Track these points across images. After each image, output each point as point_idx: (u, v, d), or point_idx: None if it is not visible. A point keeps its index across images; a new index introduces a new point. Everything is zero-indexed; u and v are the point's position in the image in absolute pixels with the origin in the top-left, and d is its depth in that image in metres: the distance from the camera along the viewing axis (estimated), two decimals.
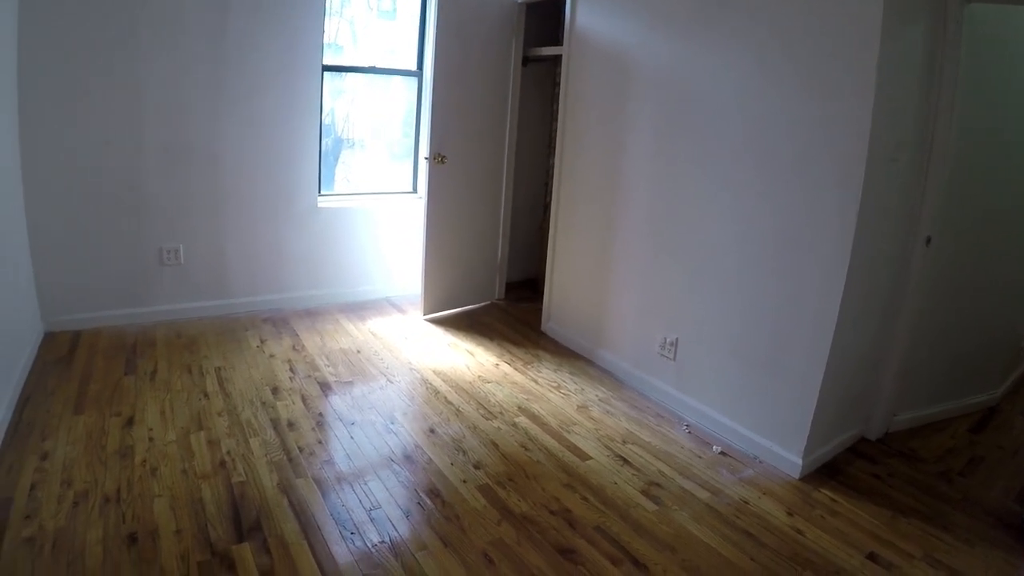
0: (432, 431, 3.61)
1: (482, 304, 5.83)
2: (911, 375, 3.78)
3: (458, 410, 3.87)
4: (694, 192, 3.86)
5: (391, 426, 3.63)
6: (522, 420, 3.81)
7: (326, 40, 5.18)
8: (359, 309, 5.46)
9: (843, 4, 3.03)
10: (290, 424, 3.55)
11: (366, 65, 5.65)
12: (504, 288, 6.04)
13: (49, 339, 4.36)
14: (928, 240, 3.52)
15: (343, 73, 5.57)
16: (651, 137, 4.12)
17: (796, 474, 3.37)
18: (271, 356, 4.40)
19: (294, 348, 4.56)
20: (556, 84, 6.02)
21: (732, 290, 3.67)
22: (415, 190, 6.02)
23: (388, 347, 4.72)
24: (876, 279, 3.42)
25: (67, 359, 4.10)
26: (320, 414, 3.69)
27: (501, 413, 3.87)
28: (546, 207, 6.23)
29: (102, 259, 4.56)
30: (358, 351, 4.60)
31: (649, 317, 4.24)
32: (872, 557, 2.79)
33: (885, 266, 3.46)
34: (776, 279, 3.43)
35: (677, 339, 4.03)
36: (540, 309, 5.42)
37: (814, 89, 3.18)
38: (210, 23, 4.58)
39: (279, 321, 5.04)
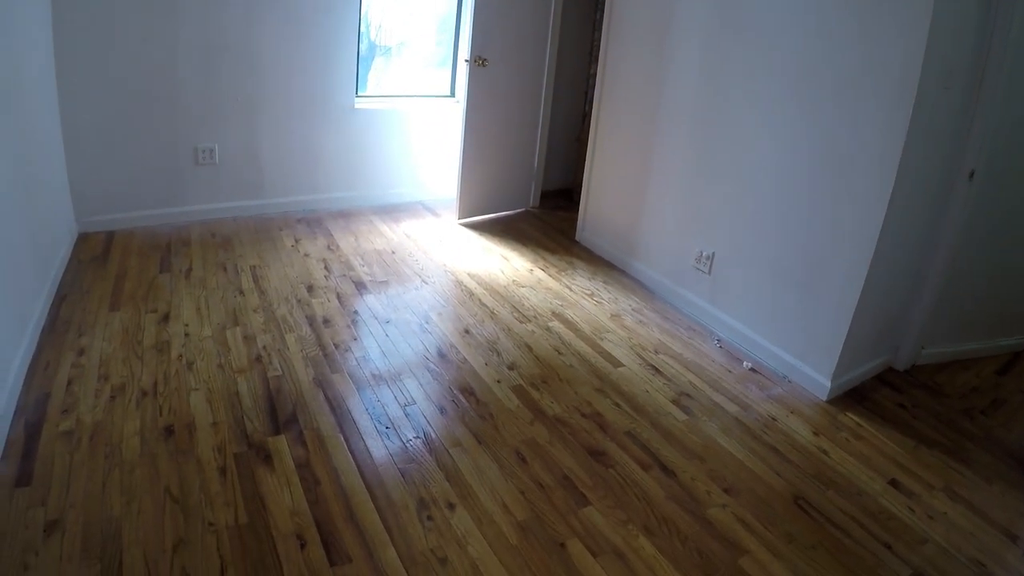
0: (467, 332, 3.58)
1: (517, 211, 5.72)
2: (943, 310, 3.64)
3: (492, 312, 3.83)
4: (739, 108, 3.70)
5: (426, 325, 3.60)
6: (556, 325, 3.77)
7: None
8: (393, 211, 5.39)
9: None
10: (325, 321, 3.53)
11: None
12: (539, 196, 5.92)
13: (83, 239, 4.36)
14: (972, 174, 3.33)
15: None
16: (697, 50, 3.93)
17: (824, 396, 3.31)
18: (306, 255, 4.36)
19: (329, 248, 4.52)
20: None
21: (772, 208, 3.54)
22: (453, 94, 5.86)
23: (423, 249, 4.66)
24: (917, 209, 3.26)
25: (101, 258, 4.10)
26: (355, 312, 3.67)
27: (535, 317, 3.83)
28: (584, 116, 6.06)
29: (136, 159, 4.51)
30: (393, 252, 4.55)
31: (686, 231, 4.13)
32: (894, 483, 2.74)
33: (927, 197, 3.29)
34: (817, 200, 3.30)
35: (713, 254, 3.92)
36: (575, 218, 5.32)
37: (871, 12, 2.98)
38: None
39: (314, 222, 5.00)
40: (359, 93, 5.32)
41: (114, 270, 3.94)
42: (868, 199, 3.05)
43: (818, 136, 3.27)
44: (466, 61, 4.90)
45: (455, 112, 5.64)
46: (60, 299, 3.55)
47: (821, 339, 3.33)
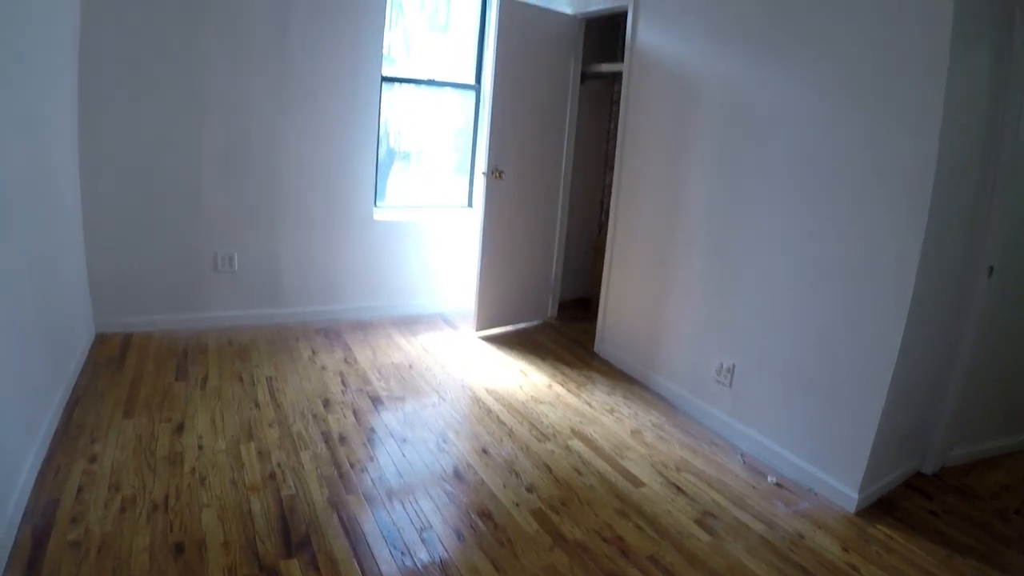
0: (485, 451, 3.51)
1: (534, 323, 5.72)
2: (969, 409, 3.61)
3: (511, 430, 3.76)
4: (754, 217, 3.74)
5: (443, 444, 3.53)
6: (575, 443, 3.70)
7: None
8: (411, 323, 5.40)
9: (910, 28, 2.93)
10: (341, 438, 3.47)
11: (424, 77, 5.62)
12: (557, 307, 5.93)
13: (100, 340, 4.35)
14: (991, 270, 3.36)
15: (399, 84, 5.53)
16: (713, 157, 4.01)
17: (852, 508, 3.22)
18: (323, 368, 4.34)
19: (346, 361, 4.50)
20: (614, 101, 5.94)
21: (791, 317, 3.54)
22: (470, 204, 5.97)
23: (440, 363, 4.63)
24: (937, 310, 3.26)
25: (118, 362, 4.09)
26: (371, 429, 3.61)
27: (554, 435, 3.76)
28: (600, 226, 6.13)
29: (156, 262, 4.57)
30: (410, 366, 4.52)
31: (706, 342, 4.11)
32: None
33: (946, 296, 3.29)
34: (836, 308, 3.30)
35: (734, 365, 3.88)
36: (593, 330, 5.30)
37: (880, 116, 3.06)
38: (272, 31, 4.60)
39: (331, 332, 5.00)
40: (378, 203, 5.42)
41: (130, 374, 3.92)
42: (888, 305, 3.05)
43: (833, 244, 3.29)
44: (483, 174, 4.99)
45: (472, 222, 5.72)
46: (74, 401, 3.52)
47: (847, 450, 3.26)
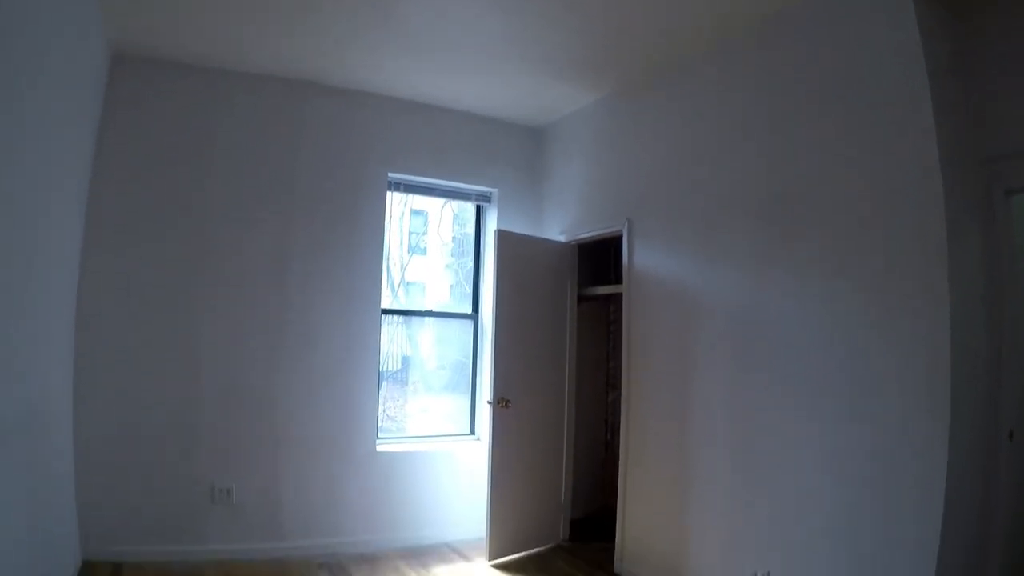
0: None
1: (548, 546, 5.35)
2: None
3: None
4: (772, 422, 3.71)
5: None
6: None
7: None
8: (420, 555, 5.00)
9: (905, 219, 3.15)
10: None
11: (423, 309, 5.71)
12: (568, 528, 5.60)
13: (88, 569, 4.00)
14: (1011, 434, 3.25)
15: (398, 316, 5.61)
16: (721, 368, 4.04)
17: None
18: None
19: None
20: (610, 321, 6.04)
21: (824, 518, 3.39)
22: (472, 432, 5.83)
23: None
24: (969, 497, 3.11)
25: None
26: None
27: None
28: (606, 445, 5.98)
29: (150, 490, 4.35)
30: None
31: (736, 550, 3.86)
32: None
33: (975, 479, 3.15)
34: (870, 513, 3.19)
35: (768, 573, 3.62)
36: (608, 548, 4.99)
37: (886, 312, 3.19)
38: (271, 268, 4.79)
39: (336, 568, 4.61)
40: (379, 434, 5.28)
41: None
42: (922, 509, 2.97)
43: (861, 441, 3.25)
44: (488, 403, 4.94)
45: (476, 451, 5.57)
46: None
47: None
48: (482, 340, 5.81)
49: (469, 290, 5.93)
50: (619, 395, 5.67)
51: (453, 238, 6.12)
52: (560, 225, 5.62)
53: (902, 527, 3.03)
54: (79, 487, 4.08)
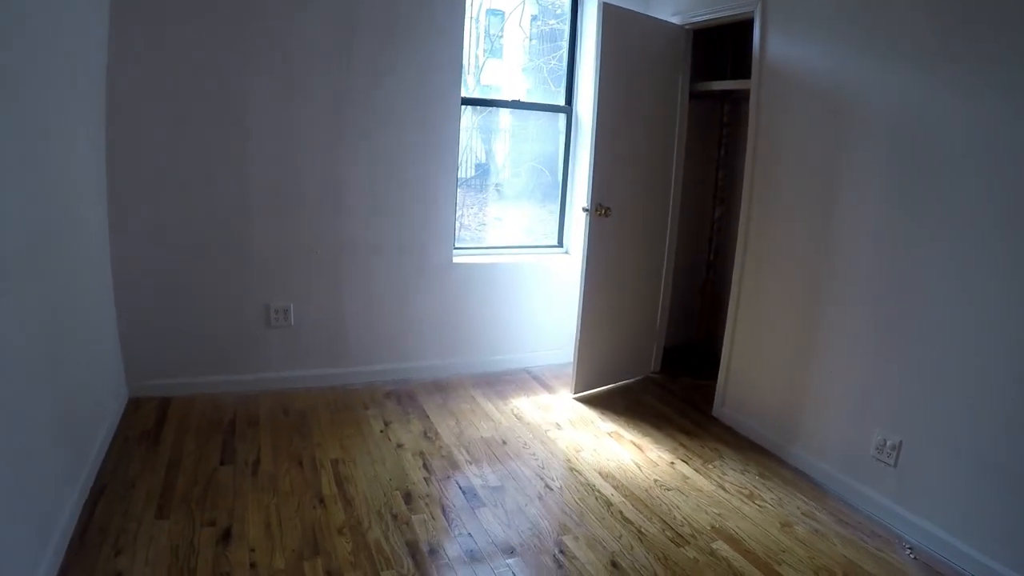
0: (615, 565, 2.69)
1: (637, 379, 4.87)
2: None
3: (640, 531, 2.93)
4: (933, 266, 2.97)
5: (560, 557, 2.71)
6: (720, 546, 2.87)
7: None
8: (496, 383, 4.58)
9: None
10: (432, 551, 2.67)
11: (509, 99, 4.89)
12: (660, 359, 5.09)
13: (134, 406, 3.68)
14: None
15: (478, 107, 4.80)
16: (875, 192, 3.22)
17: None
18: (399, 446, 3.55)
19: (426, 435, 3.70)
20: (724, 124, 5.11)
21: (979, 388, 2.82)
22: (561, 244, 5.18)
23: (539, 437, 3.81)
24: None
25: (152, 435, 3.39)
26: (468, 535, 2.80)
27: (693, 536, 2.93)
28: (708, 266, 5.29)
29: (199, 317, 3.90)
30: (504, 442, 3.71)
31: (863, 411, 3.30)
32: None
33: None
34: None
35: (901, 442, 3.08)
36: (703, 386, 4.52)
37: None
38: (333, 45, 3.90)
39: (404, 396, 4.21)
40: (456, 244, 4.66)
41: (166, 455, 3.21)
42: None
43: None
44: (584, 210, 4.21)
45: (563, 265, 4.96)
46: (98, 492, 2.84)
47: None
48: (575, 139, 5.01)
49: (556, 89, 5.04)
50: (726, 211, 4.94)
51: (534, 34, 5.13)
52: (674, 5, 4.59)
53: None
54: (120, 319, 3.67)
